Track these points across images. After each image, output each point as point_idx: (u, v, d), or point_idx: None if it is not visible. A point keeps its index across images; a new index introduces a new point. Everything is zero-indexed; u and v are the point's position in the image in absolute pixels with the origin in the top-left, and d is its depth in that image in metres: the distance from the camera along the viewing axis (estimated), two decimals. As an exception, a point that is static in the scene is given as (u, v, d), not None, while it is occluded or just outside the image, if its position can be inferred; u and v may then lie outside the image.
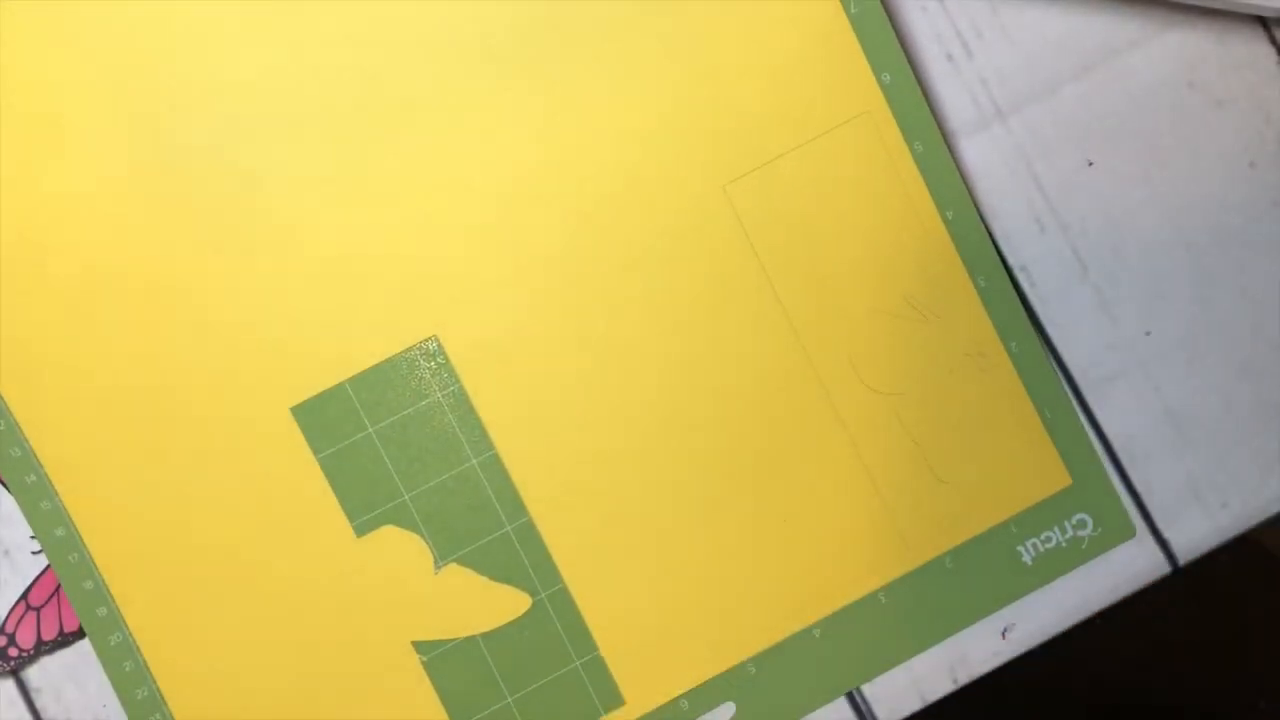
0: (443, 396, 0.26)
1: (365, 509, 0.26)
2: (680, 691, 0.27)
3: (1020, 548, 0.27)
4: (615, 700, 0.27)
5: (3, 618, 0.27)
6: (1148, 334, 0.28)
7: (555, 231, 0.26)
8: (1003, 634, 0.28)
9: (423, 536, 0.26)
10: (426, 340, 0.26)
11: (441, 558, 0.26)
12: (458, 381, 0.26)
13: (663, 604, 0.27)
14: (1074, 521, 0.28)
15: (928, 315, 0.27)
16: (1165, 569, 0.28)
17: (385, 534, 0.26)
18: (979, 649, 0.28)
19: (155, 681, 0.26)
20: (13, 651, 0.27)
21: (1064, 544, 0.28)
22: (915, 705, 0.28)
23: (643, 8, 0.26)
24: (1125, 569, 0.28)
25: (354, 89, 0.26)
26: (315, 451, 0.26)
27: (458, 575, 0.26)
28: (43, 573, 0.27)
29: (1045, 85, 0.28)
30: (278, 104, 0.26)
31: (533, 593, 0.27)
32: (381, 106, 0.26)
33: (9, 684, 0.27)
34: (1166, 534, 0.28)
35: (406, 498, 0.26)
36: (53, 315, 0.26)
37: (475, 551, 0.26)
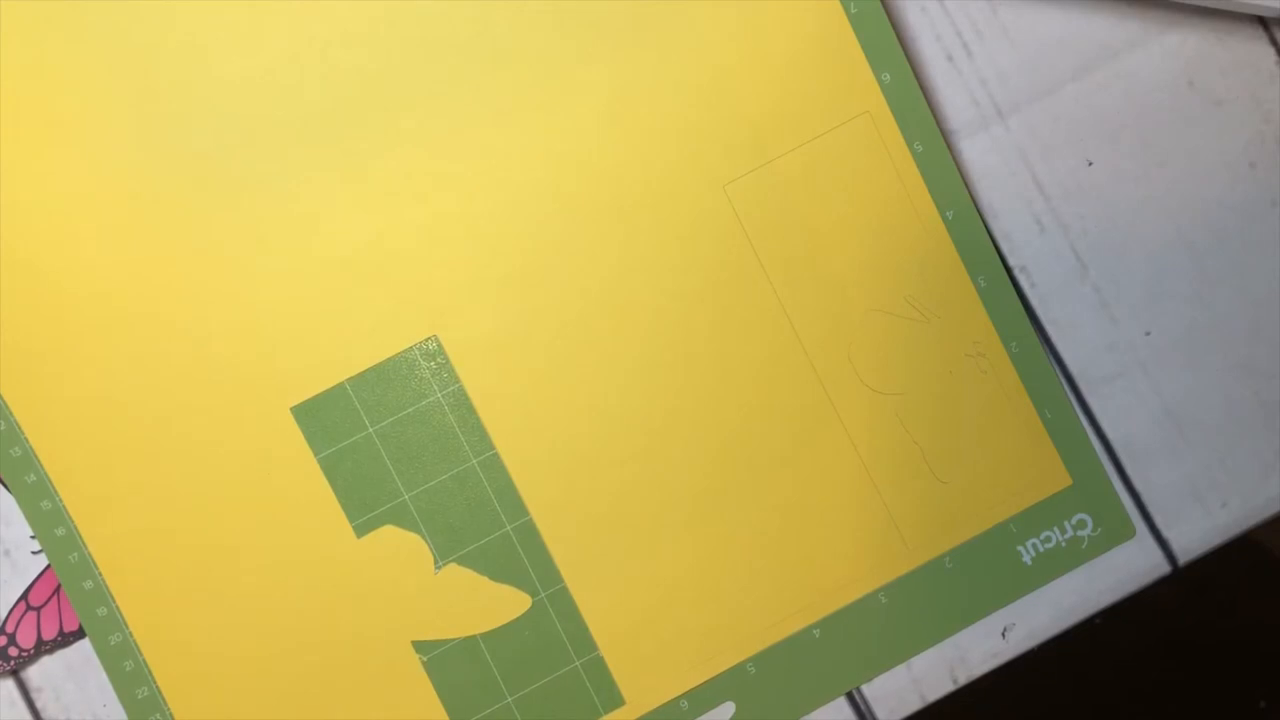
0: (443, 396, 0.26)
1: (365, 509, 0.26)
2: (680, 691, 0.27)
3: (1020, 548, 0.27)
4: (615, 700, 0.27)
5: (3, 618, 0.27)
6: (1148, 334, 0.28)
7: (555, 231, 0.26)
8: (1003, 634, 0.28)
9: (423, 536, 0.26)
10: (426, 340, 0.26)
11: (441, 558, 0.26)
12: (458, 381, 0.26)
13: (663, 604, 0.27)
14: (1074, 521, 0.28)
15: (928, 315, 0.27)
16: (1165, 569, 0.28)
17: (385, 534, 0.26)
18: (979, 649, 0.28)
19: (155, 681, 0.26)
20: (13, 651, 0.27)
21: (1064, 544, 0.28)
22: (915, 705, 0.28)
23: (643, 8, 0.26)
24: (1125, 569, 0.28)
25: (353, 90, 0.26)
26: (315, 451, 0.26)
27: (458, 575, 0.26)
28: (43, 573, 0.27)
29: (1045, 85, 0.28)
30: (277, 105, 0.26)
31: (533, 593, 0.27)
32: (381, 107, 0.26)
33: (9, 684, 0.27)
34: (1166, 534, 0.28)
35: (406, 498, 0.26)
36: (53, 316, 0.26)
37: (475, 551, 0.26)
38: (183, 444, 0.26)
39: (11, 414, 0.26)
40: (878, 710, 0.28)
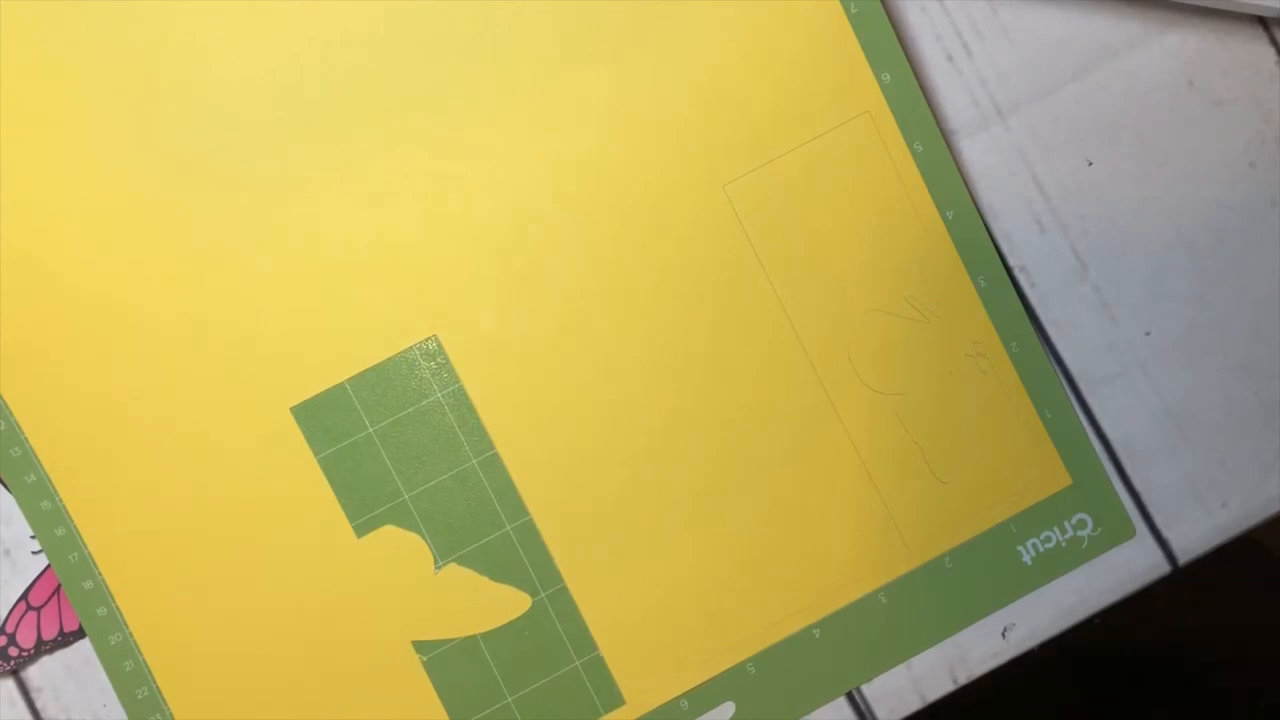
0: (443, 396, 0.26)
1: (365, 509, 0.26)
2: (680, 691, 0.27)
3: (1020, 548, 0.27)
4: (615, 700, 0.27)
5: (3, 618, 0.27)
6: (1148, 334, 0.28)
7: (555, 231, 0.26)
8: (1003, 634, 0.28)
9: (423, 536, 0.26)
10: (426, 340, 0.26)
11: (441, 558, 0.26)
12: (458, 381, 0.26)
13: (663, 604, 0.27)
14: (1074, 521, 0.28)
15: (928, 315, 0.27)
16: (1165, 569, 0.28)
17: (385, 534, 0.26)
18: (979, 649, 0.28)
19: (155, 681, 0.26)
20: (13, 651, 0.27)
21: (1064, 544, 0.28)
22: (915, 705, 0.28)
23: (643, 8, 0.26)
24: (1125, 569, 0.28)
25: (354, 89, 0.26)
26: (315, 451, 0.26)
27: (458, 575, 0.26)
28: (43, 573, 0.27)
29: (1045, 85, 0.28)
30: (278, 105, 0.26)
31: (533, 593, 0.27)
32: (381, 107, 0.26)
33: (9, 684, 0.27)
34: (1166, 534, 0.28)
35: (406, 498, 0.26)
36: (53, 315, 0.26)
37: (475, 551, 0.26)
38: (183, 444, 0.26)
39: (11, 414, 0.26)
40: (878, 710, 0.28)
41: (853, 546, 0.27)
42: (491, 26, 0.26)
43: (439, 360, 0.26)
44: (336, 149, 0.26)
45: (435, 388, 0.26)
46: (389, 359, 0.26)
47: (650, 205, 0.27)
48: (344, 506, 0.26)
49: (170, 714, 0.26)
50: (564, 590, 0.27)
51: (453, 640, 0.26)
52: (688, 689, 0.27)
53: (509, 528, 0.27)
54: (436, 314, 0.26)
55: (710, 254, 0.27)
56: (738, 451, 0.27)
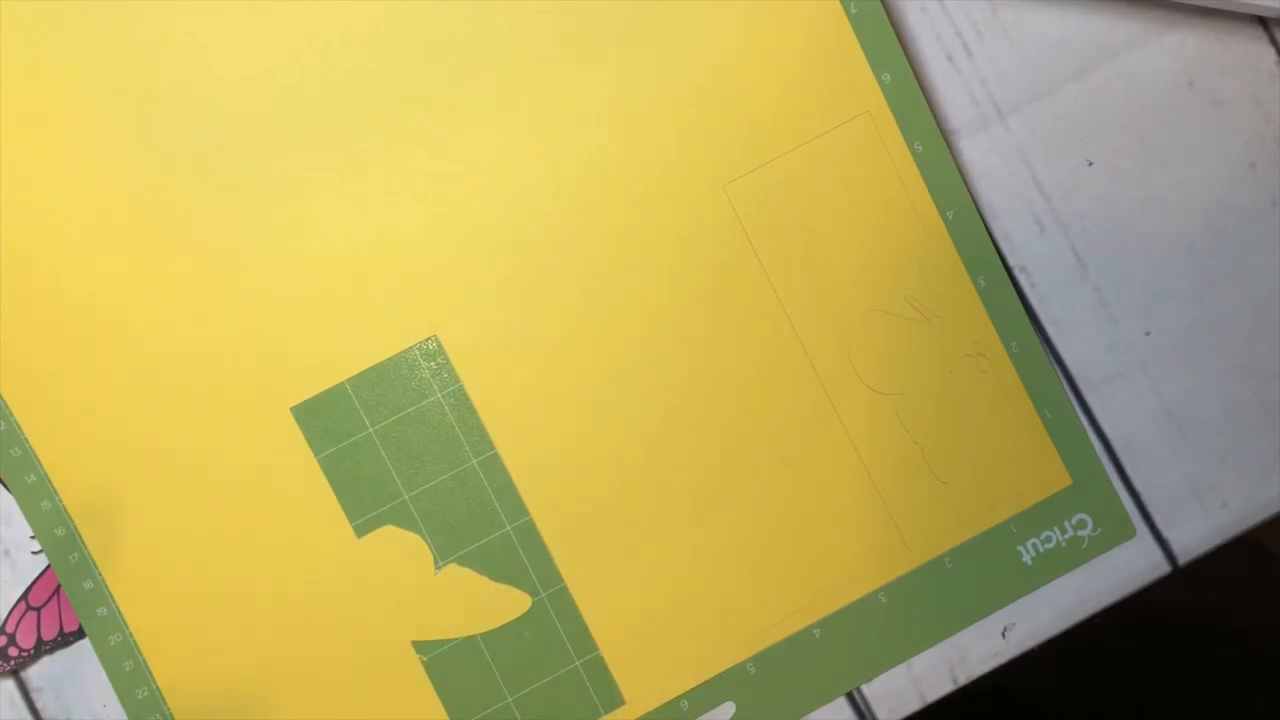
0: (443, 396, 0.26)
1: (365, 509, 0.26)
2: (680, 691, 0.27)
3: (1020, 548, 0.27)
4: (615, 700, 0.27)
5: (3, 618, 0.27)
6: (1148, 334, 0.28)
7: (555, 231, 0.26)
8: (1003, 634, 0.28)
9: (423, 536, 0.26)
10: (426, 340, 0.26)
11: (441, 558, 0.26)
12: (458, 381, 0.26)
13: (663, 604, 0.27)
14: (1074, 521, 0.28)
15: (928, 315, 0.27)
16: (1165, 569, 0.28)
17: (385, 534, 0.26)
18: (979, 649, 0.28)
19: (155, 681, 0.26)
20: (13, 651, 0.27)
21: (1064, 544, 0.28)
22: (915, 705, 0.28)
23: (643, 8, 0.26)
24: (1125, 569, 0.28)
25: (354, 89, 0.26)
26: (315, 451, 0.26)
27: (458, 575, 0.26)
28: (43, 573, 0.27)
29: (1045, 85, 0.28)
30: (278, 105, 0.26)
31: (533, 593, 0.27)
32: (381, 107, 0.26)
33: (9, 684, 0.27)
34: (1166, 534, 0.28)
35: (406, 498, 0.26)
36: (53, 316, 0.26)
37: (475, 551, 0.26)
38: (183, 444, 0.26)
39: (11, 414, 0.26)
40: (878, 710, 0.28)
41: (853, 546, 0.27)
42: (491, 26, 0.26)
43: (439, 360, 0.26)
44: (336, 149, 0.26)
45: (435, 388, 0.26)
46: (389, 359, 0.26)
47: (650, 205, 0.27)
48: (344, 506, 0.26)
49: (170, 714, 0.26)
50: (564, 590, 0.27)
51: (453, 640, 0.26)
52: (688, 689, 0.27)
53: (509, 528, 0.27)
54: (436, 314, 0.26)
55: (710, 254, 0.27)
56: (737, 451, 0.27)
